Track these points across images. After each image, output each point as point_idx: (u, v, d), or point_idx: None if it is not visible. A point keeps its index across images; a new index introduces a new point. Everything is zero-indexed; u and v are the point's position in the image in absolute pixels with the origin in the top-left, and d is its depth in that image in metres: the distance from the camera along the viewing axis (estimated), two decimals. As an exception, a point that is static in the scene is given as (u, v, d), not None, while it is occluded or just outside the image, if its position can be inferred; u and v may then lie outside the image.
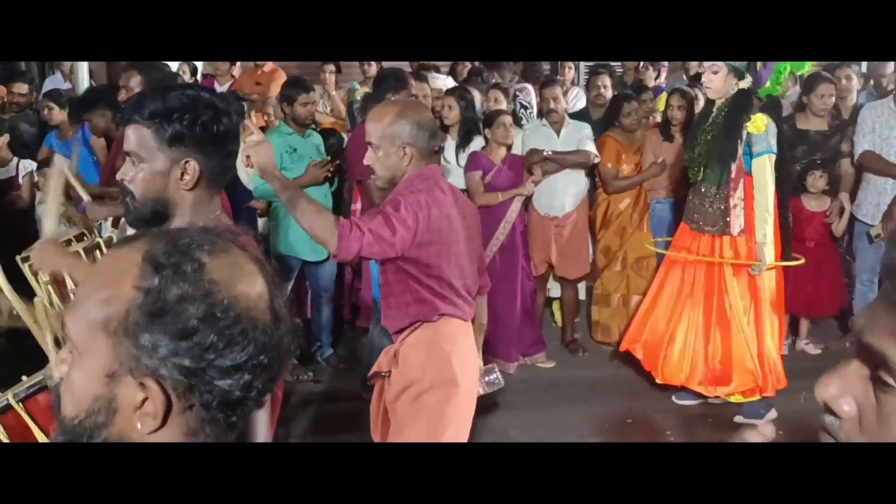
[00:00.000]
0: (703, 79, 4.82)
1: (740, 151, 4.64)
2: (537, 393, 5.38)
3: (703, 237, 4.85)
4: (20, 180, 6.04)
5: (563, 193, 5.83)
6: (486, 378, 3.48)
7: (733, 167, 4.67)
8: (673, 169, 5.89)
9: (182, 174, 1.91)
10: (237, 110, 2.03)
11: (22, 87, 7.36)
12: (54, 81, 8.22)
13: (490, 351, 5.70)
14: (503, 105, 6.05)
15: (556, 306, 6.47)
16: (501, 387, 3.66)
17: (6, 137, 6.19)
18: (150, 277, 1.03)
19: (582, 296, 6.30)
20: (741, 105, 4.62)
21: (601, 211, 6.12)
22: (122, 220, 2.84)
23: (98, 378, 1.04)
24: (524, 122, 6.15)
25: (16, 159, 6.10)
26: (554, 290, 6.29)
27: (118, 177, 1.97)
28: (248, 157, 2.73)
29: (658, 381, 5.03)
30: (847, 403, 0.86)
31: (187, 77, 7.72)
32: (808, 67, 4.68)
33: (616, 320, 6.11)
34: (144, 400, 1.04)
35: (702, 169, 4.81)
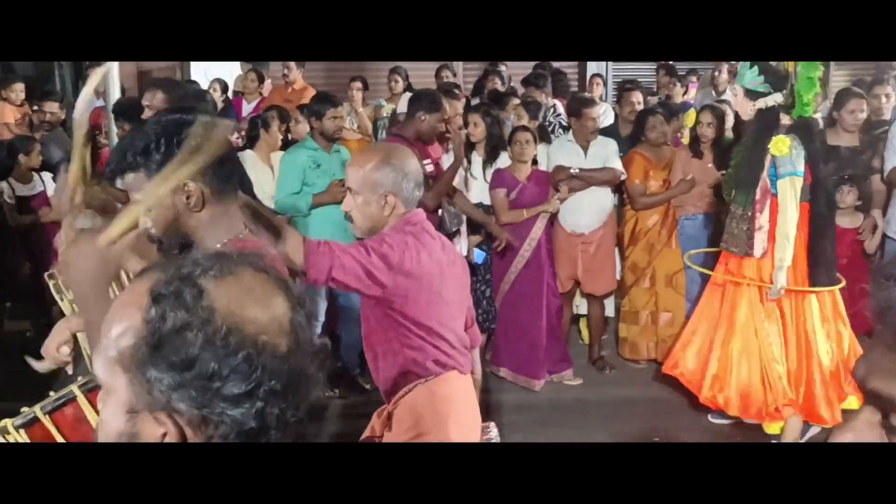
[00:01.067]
0: (732, 101, 4.83)
1: (764, 173, 4.59)
2: (564, 411, 5.33)
3: (732, 257, 4.80)
4: (49, 193, 6.13)
5: (589, 210, 5.80)
6: (484, 437, 3.21)
7: (758, 189, 4.61)
8: (702, 185, 5.84)
9: (187, 198, 1.92)
10: (210, 109, 2.03)
11: (52, 106, 7.46)
12: (86, 99, 8.29)
13: (515, 368, 5.68)
14: (525, 121, 6.03)
15: (583, 323, 6.43)
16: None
17: (37, 157, 6.30)
18: (151, 309, 1.02)
19: (610, 312, 6.26)
20: (763, 126, 4.58)
21: (629, 227, 6.08)
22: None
23: (121, 415, 1.04)
24: (555, 137, 6.14)
25: (40, 175, 6.21)
26: (581, 306, 6.26)
27: (140, 227, 1.97)
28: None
29: (701, 401, 4.95)
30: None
31: (218, 94, 7.80)
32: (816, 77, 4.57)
33: (644, 338, 6.06)
34: (165, 434, 1.02)
35: (732, 190, 4.77)
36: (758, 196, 4.60)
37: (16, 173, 6.29)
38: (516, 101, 6.59)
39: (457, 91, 6.49)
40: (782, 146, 4.49)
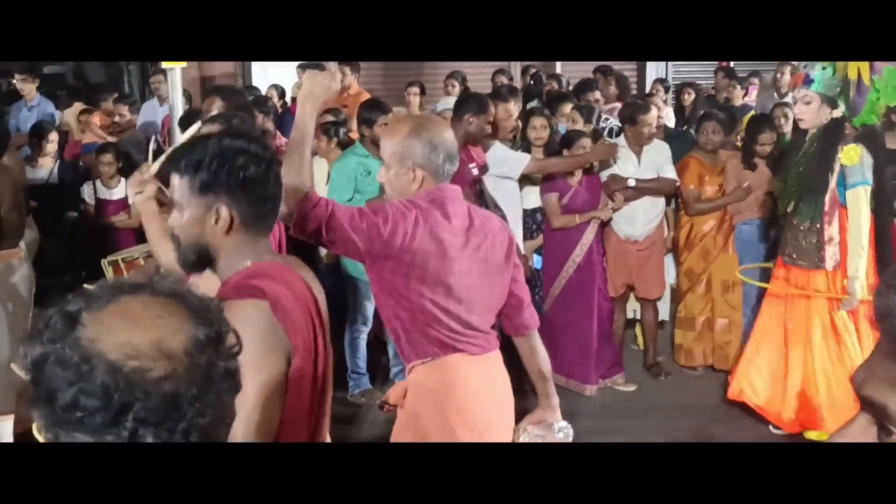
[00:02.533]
0: (796, 110, 4.71)
1: (832, 183, 4.50)
2: (618, 417, 5.30)
3: (799, 271, 4.71)
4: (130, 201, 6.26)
5: (643, 218, 5.76)
6: (555, 437, 2.98)
7: (827, 199, 4.52)
8: (758, 191, 5.74)
9: (216, 220, 1.96)
10: (271, 155, 2.05)
11: (123, 109, 7.67)
12: (150, 106, 8.53)
13: (567, 373, 5.67)
14: (581, 125, 6.00)
15: (639, 328, 6.38)
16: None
17: (154, 166, 6.41)
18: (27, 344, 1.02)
19: (665, 316, 6.19)
20: (833, 135, 4.48)
21: (684, 233, 6.00)
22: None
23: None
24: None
25: (124, 180, 6.30)
26: (636, 311, 6.22)
27: (168, 223, 2.05)
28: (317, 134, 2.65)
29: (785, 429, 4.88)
30: None
31: (275, 99, 7.92)
32: None
33: (700, 344, 5.98)
34: None
35: (793, 202, 4.67)
36: (826, 207, 4.50)
37: (103, 177, 6.42)
38: (569, 105, 6.57)
39: (513, 91, 6.44)
40: (854, 155, 4.39)
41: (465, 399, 2.76)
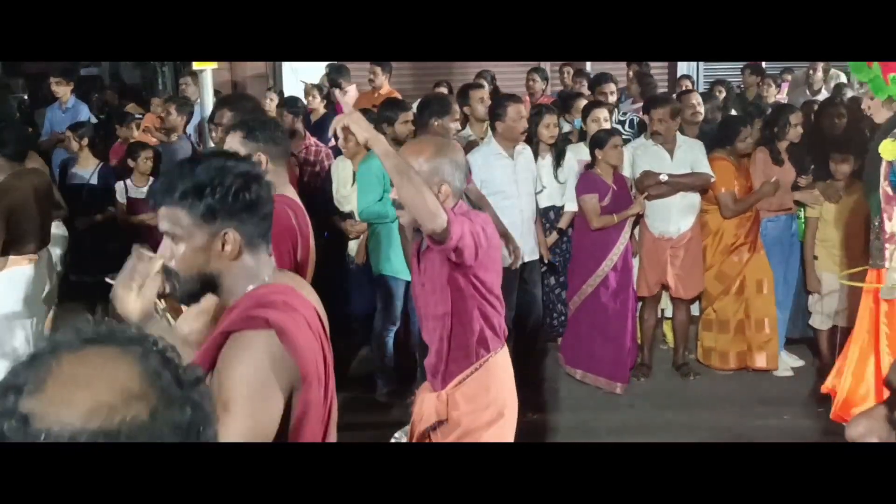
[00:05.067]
0: (863, 104, 4.69)
1: (882, 179, 4.44)
2: (646, 416, 5.29)
3: (872, 272, 4.63)
4: None
5: (678, 215, 5.71)
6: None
7: (881, 195, 4.47)
8: (784, 185, 5.70)
9: (223, 245, 1.91)
10: (261, 171, 2.01)
11: (171, 108, 7.73)
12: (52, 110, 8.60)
13: (597, 370, 5.67)
14: (608, 124, 5.98)
15: (667, 326, 6.35)
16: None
17: (148, 161, 6.51)
18: None
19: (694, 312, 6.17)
20: (885, 131, 4.44)
21: (716, 237, 5.90)
22: None
23: None
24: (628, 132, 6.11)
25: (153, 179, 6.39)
26: (666, 310, 6.19)
27: (157, 256, 1.94)
28: (344, 134, 2.74)
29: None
30: (872, 441, 0.86)
31: (318, 101, 7.94)
32: None
33: (734, 346, 5.91)
34: None
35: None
36: (883, 204, 4.44)
37: (133, 176, 6.51)
38: (583, 101, 6.55)
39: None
40: (893, 149, 4.34)
41: (509, 387, 3.13)
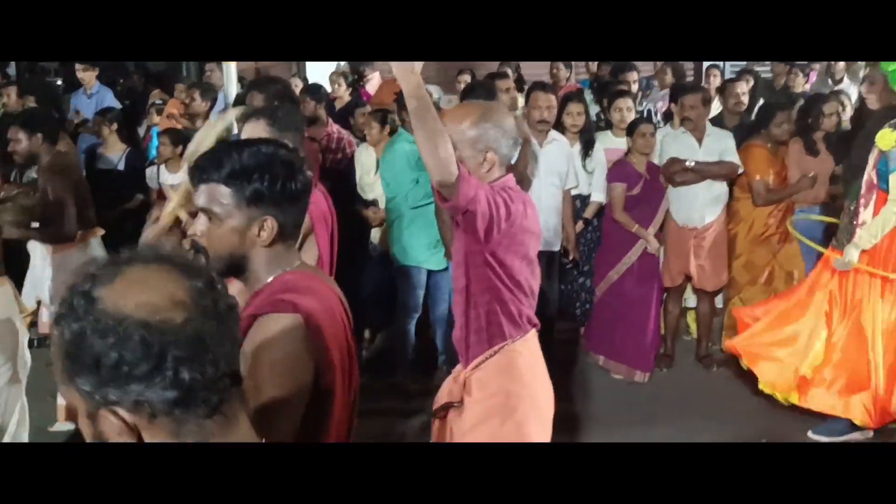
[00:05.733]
0: (862, 90, 4.66)
1: (870, 166, 4.41)
2: (668, 408, 5.24)
3: (836, 253, 4.65)
4: None
5: (703, 204, 5.64)
6: None
7: (863, 181, 4.44)
8: (821, 177, 5.63)
9: (259, 231, 1.91)
10: (304, 163, 2.00)
11: (195, 94, 7.70)
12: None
13: (619, 358, 5.65)
14: (633, 114, 5.92)
15: (691, 317, 6.29)
16: None
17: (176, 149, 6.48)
18: (54, 329, 1.17)
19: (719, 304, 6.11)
20: (882, 118, 4.40)
21: (745, 225, 5.84)
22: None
23: (85, 420, 1.19)
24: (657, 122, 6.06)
25: (186, 166, 6.37)
26: (690, 300, 6.12)
27: (189, 233, 1.98)
28: (367, 122, 2.64)
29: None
30: None
31: (343, 89, 7.91)
32: None
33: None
34: (121, 429, 1.16)
35: (848, 183, 4.63)
36: (863, 190, 4.43)
37: (167, 162, 6.49)
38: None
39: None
40: (890, 139, 4.30)
41: (540, 373, 2.94)
